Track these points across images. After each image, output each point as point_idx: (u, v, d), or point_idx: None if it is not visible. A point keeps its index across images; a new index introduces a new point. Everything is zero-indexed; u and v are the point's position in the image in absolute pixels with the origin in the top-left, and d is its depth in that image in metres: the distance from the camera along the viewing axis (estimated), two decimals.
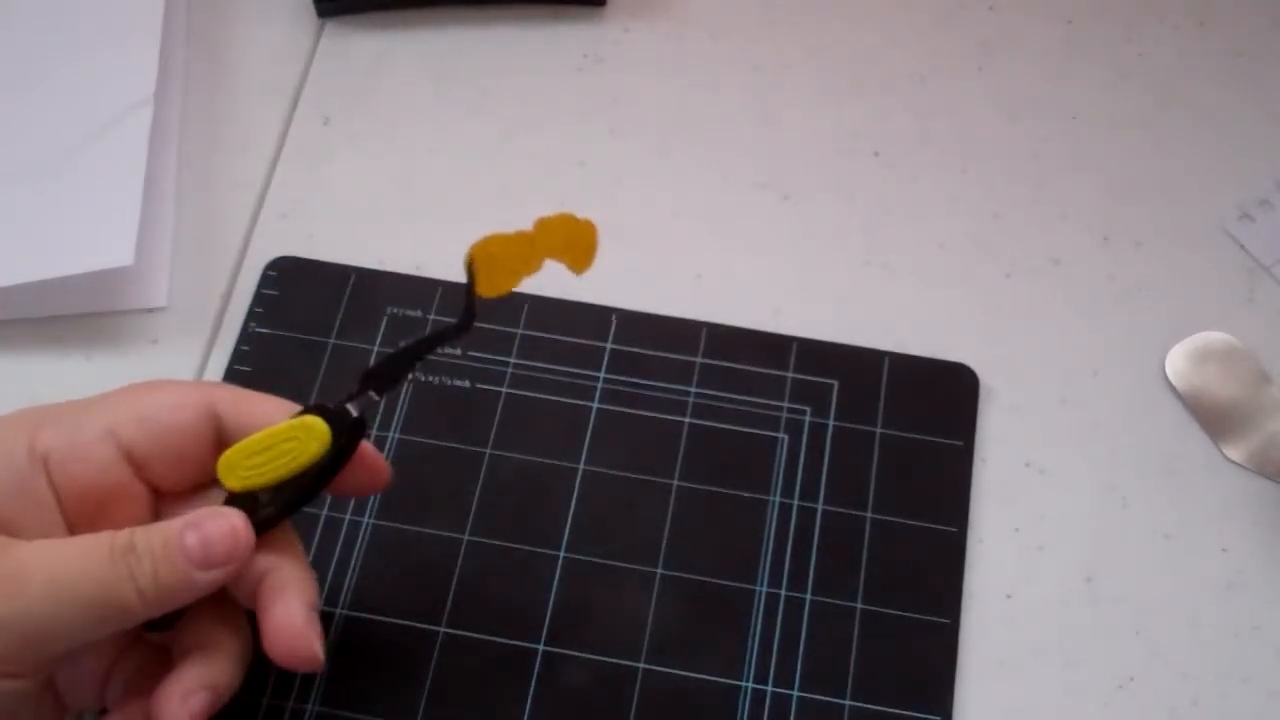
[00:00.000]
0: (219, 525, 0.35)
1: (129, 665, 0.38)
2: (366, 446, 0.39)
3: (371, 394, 0.38)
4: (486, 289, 0.38)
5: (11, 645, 0.33)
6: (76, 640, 0.34)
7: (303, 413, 0.37)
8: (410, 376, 0.46)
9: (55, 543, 0.34)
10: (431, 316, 0.49)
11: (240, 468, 0.36)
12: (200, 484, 0.38)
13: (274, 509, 0.37)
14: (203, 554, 0.34)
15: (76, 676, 0.37)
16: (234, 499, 0.37)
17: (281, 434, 0.36)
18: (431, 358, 0.48)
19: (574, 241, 0.39)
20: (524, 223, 0.52)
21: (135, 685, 0.37)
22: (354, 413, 0.37)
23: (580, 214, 0.39)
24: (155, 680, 0.36)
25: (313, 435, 0.36)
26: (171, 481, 0.37)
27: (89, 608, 0.33)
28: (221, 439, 0.37)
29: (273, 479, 0.36)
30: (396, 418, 0.47)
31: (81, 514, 0.36)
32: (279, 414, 0.37)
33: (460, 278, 0.50)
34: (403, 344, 0.39)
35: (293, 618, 0.36)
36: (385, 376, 0.38)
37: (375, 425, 0.47)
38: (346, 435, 0.37)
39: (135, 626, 0.35)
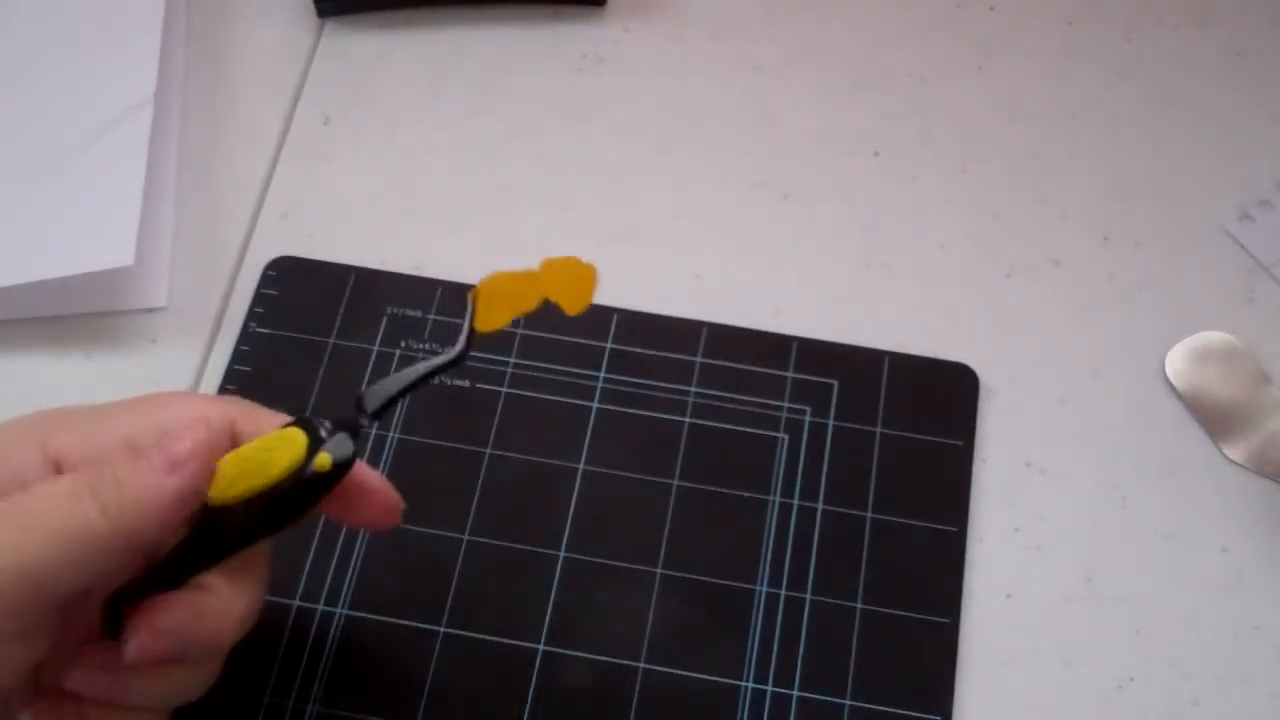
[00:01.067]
0: (182, 437, 0.34)
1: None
2: (376, 479, 0.38)
3: (364, 420, 0.37)
4: (482, 323, 0.38)
5: (10, 592, 0.32)
6: (63, 578, 0.33)
7: (284, 425, 0.36)
8: (403, 402, 0.46)
9: (25, 491, 0.34)
10: (431, 316, 0.49)
11: (220, 479, 0.35)
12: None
13: (251, 524, 0.36)
14: (166, 459, 0.34)
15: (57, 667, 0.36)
16: (210, 514, 0.36)
17: (260, 446, 0.35)
18: (432, 357, 0.48)
19: (573, 284, 0.39)
20: (523, 223, 0.53)
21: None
22: (324, 430, 0.36)
23: (584, 254, 0.39)
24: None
25: (289, 445, 0.35)
26: None
27: (58, 537, 0.32)
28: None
29: (244, 489, 0.35)
30: (397, 417, 0.47)
31: None
32: None
33: (458, 276, 0.50)
34: (398, 371, 0.39)
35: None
36: (377, 400, 0.37)
37: (376, 425, 0.47)
38: (335, 454, 0.36)
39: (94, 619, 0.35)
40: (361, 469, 0.38)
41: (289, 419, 0.37)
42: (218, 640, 0.36)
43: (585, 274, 0.39)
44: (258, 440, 0.36)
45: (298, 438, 0.35)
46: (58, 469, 0.35)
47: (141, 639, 0.34)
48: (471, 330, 0.38)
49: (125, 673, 0.35)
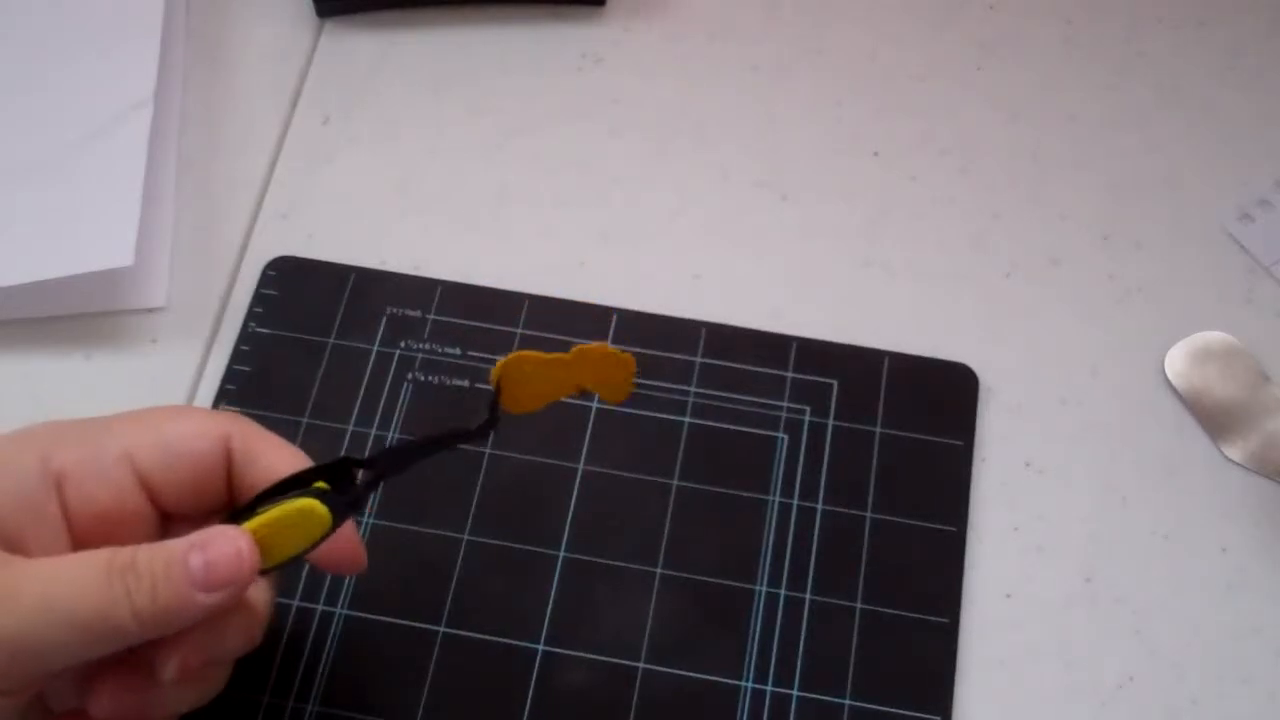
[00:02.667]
0: (224, 548, 0.34)
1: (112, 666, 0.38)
2: (348, 532, 0.38)
3: (374, 478, 0.37)
4: (511, 404, 0.38)
5: (1, 663, 0.32)
6: (69, 659, 0.33)
7: (303, 493, 0.36)
8: (401, 402, 0.45)
9: (53, 560, 0.33)
10: (431, 316, 0.49)
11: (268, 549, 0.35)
12: (208, 509, 0.37)
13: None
14: (205, 576, 0.33)
15: (60, 682, 0.37)
16: None
17: (288, 518, 0.35)
18: (432, 357, 0.48)
19: (610, 376, 0.39)
20: (523, 223, 0.53)
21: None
22: (351, 495, 0.36)
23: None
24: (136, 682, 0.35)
25: (314, 521, 0.35)
26: (181, 506, 0.37)
27: (82, 628, 0.32)
28: (231, 471, 0.37)
29: (285, 558, 0.35)
30: (397, 418, 0.47)
31: (90, 534, 0.35)
32: (282, 462, 0.37)
33: (458, 276, 0.50)
34: (416, 437, 0.38)
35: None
36: (392, 464, 0.37)
37: (375, 426, 0.47)
38: (340, 516, 0.36)
39: None
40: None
41: (288, 446, 0.37)
42: (227, 655, 0.36)
43: (622, 366, 0.39)
44: (279, 512, 0.35)
45: (323, 515, 0.35)
46: (59, 484, 0.35)
47: (182, 657, 0.34)
48: (496, 410, 0.37)
49: (151, 690, 0.35)
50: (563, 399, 0.38)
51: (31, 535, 0.34)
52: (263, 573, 0.35)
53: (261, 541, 0.34)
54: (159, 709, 0.36)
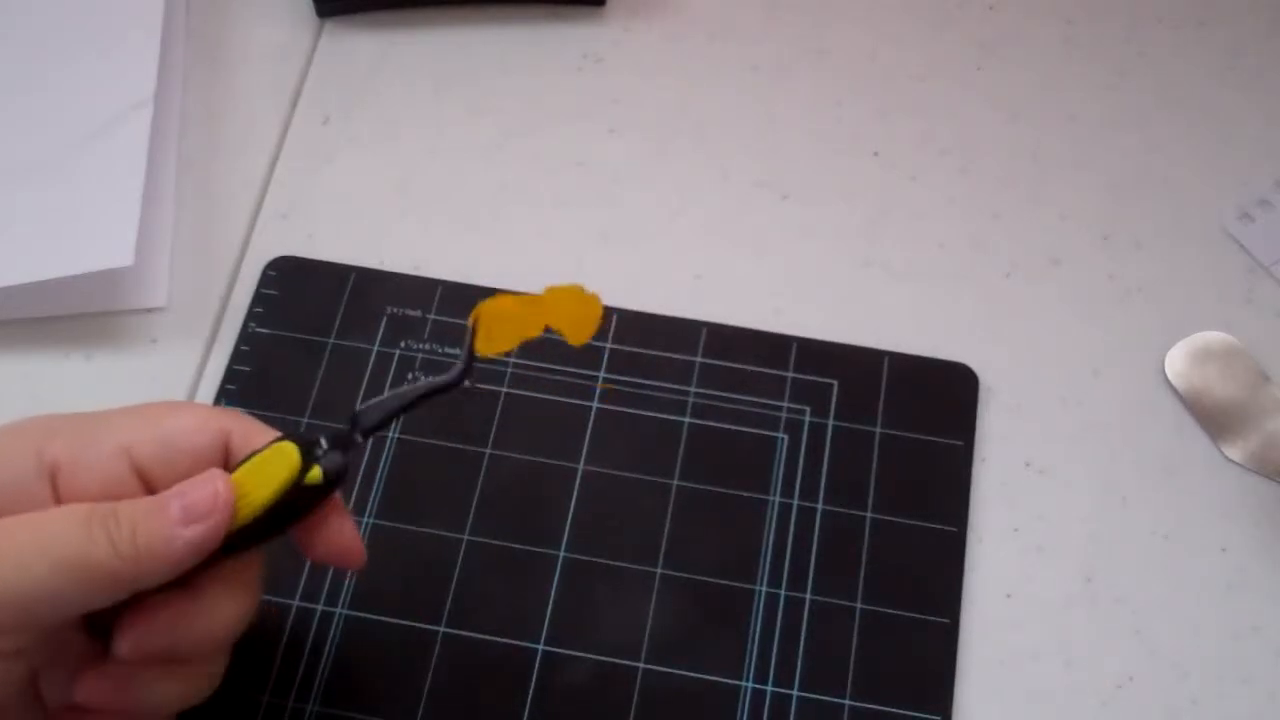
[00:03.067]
0: (201, 487, 0.34)
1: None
2: (348, 524, 0.38)
3: (356, 436, 0.37)
4: (484, 347, 0.38)
5: None
6: (56, 609, 0.33)
7: (276, 438, 0.36)
8: (397, 421, 0.45)
9: (33, 514, 0.34)
10: (431, 316, 0.49)
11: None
12: None
13: (243, 534, 0.36)
14: (184, 512, 0.34)
15: (56, 676, 0.37)
16: None
17: (257, 464, 0.36)
18: (432, 358, 0.48)
19: (578, 315, 0.40)
20: (523, 223, 0.53)
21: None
22: (319, 447, 0.36)
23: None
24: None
25: (284, 461, 0.35)
26: None
27: (63, 569, 0.32)
28: (227, 467, 0.37)
29: (243, 508, 0.35)
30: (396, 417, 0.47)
31: None
32: None
33: (458, 276, 0.50)
34: (395, 390, 0.39)
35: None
36: (370, 423, 0.38)
37: (368, 442, 0.47)
38: (326, 469, 0.36)
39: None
40: (341, 507, 0.38)
41: (280, 434, 0.37)
42: (210, 640, 0.36)
43: (590, 305, 0.40)
44: (254, 458, 0.36)
45: (291, 452, 0.36)
46: (53, 475, 0.35)
47: (134, 636, 0.35)
48: (472, 353, 0.38)
49: (127, 678, 0.36)
50: (530, 338, 0.39)
51: None
52: (241, 538, 0.35)
53: (239, 483, 0.35)
54: (136, 699, 0.36)
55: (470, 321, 0.38)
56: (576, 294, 0.39)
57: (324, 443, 0.36)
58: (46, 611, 0.33)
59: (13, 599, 0.32)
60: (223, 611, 0.36)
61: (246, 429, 0.37)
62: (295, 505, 0.36)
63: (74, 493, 0.35)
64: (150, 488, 0.36)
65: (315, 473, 0.36)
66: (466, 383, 0.38)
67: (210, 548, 0.34)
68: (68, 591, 0.33)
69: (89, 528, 0.33)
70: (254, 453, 0.36)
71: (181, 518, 0.34)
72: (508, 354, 0.38)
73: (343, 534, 0.38)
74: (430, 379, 0.38)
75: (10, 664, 0.34)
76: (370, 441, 0.47)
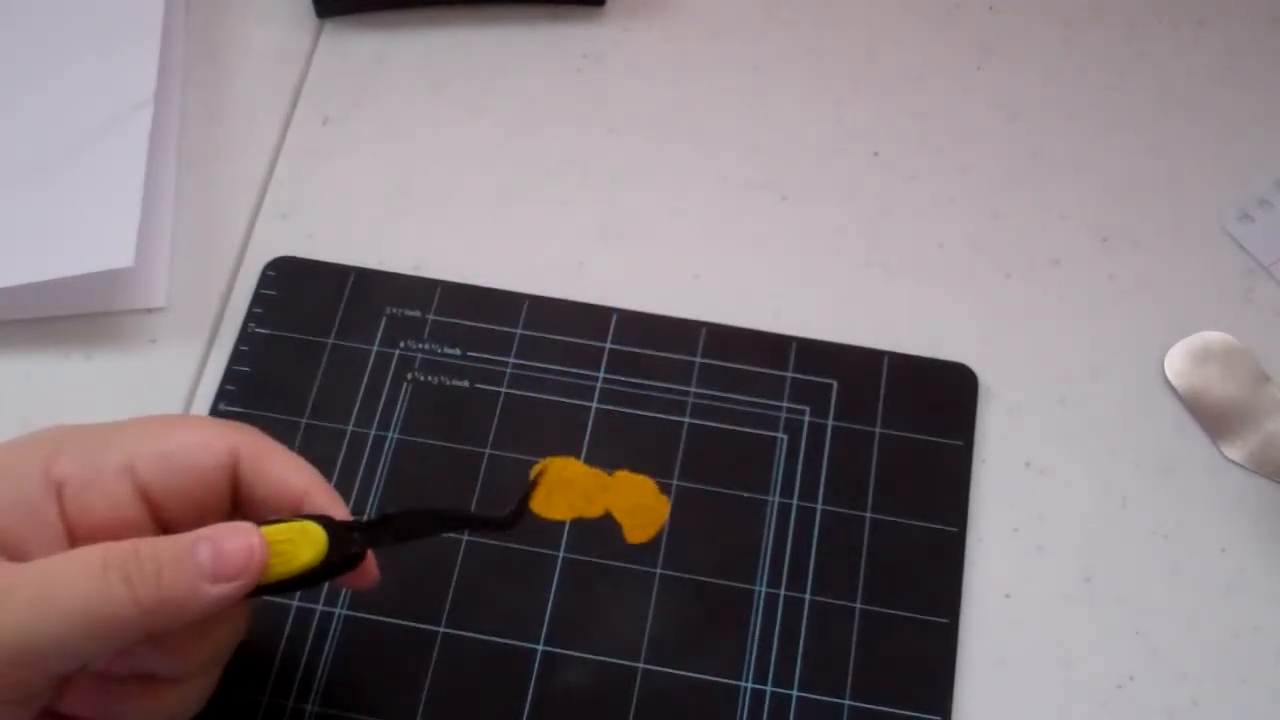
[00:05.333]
0: (236, 541, 0.33)
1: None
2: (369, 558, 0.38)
3: (388, 537, 0.37)
4: (541, 506, 0.38)
5: (1, 667, 0.31)
6: (71, 659, 0.33)
7: (306, 516, 0.35)
8: (402, 404, 0.45)
9: (48, 559, 0.32)
10: (431, 316, 0.49)
11: None
12: (210, 523, 0.36)
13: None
14: (214, 566, 0.33)
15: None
16: None
17: (281, 534, 0.35)
18: (431, 358, 0.48)
19: (643, 510, 0.40)
20: (523, 223, 0.53)
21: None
22: (354, 548, 0.35)
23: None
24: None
25: (308, 542, 0.35)
26: (182, 519, 0.36)
27: (79, 619, 0.31)
28: (237, 487, 0.36)
29: (280, 574, 0.35)
30: (396, 417, 0.47)
31: (89, 542, 0.34)
32: (296, 477, 0.36)
33: (457, 276, 0.50)
34: (438, 509, 0.38)
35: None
36: (406, 527, 0.37)
37: (374, 426, 0.47)
38: (340, 559, 0.35)
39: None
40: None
41: (296, 459, 0.36)
42: (197, 661, 0.36)
43: (657, 507, 0.40)
44: (280, 528, 0.35)
45: (320, 539, 0.35)
46: (59, 493, 0.34)
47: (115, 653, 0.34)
48: (526, 504, 0.38)
49: (113, 691, 0.35)
50: (587, 517, 0.39)
51: (32, 542, 0.34)
52: (254, 593, 0.34)
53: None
54: (126, 713, 0.35)
55: (534, 474, 0.38)
56: (648, 489, 0.39)
57: (354, 544, 0.35)
58: (61, 662, 0.33)
59: (28, 650, 0.31)
60: (211, 634, 0.36)
61: (256, 446, 0.36)
62: (312, 578, 0.35)
63: (80, 511, 0.35)
64: (153, 506, 0.35)
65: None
66: (513, 528, 0.38)
67: (232, 604, 0.34)
68: (84, 642, 0.32)
69: (107, 576, 0.32)
70: (280, 519, 0.35)
71: (212, 571, 0.33)
72: (559, 521, 0.38)
73: (362, 574, 0.37)
74: (478, 513, 0.38)
75: (21, 709, 0.33)
76: (370, 440, 0.47)
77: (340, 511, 0.36)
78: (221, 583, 0.33)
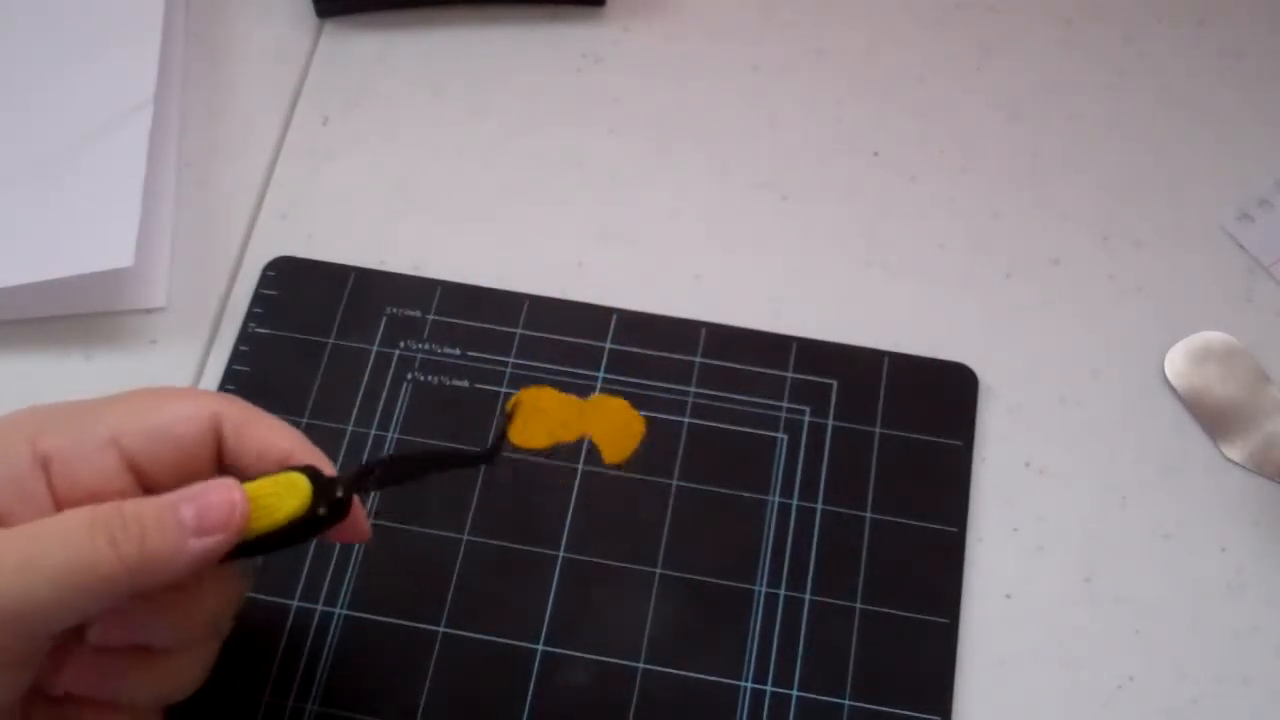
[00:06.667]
0: (217, 495, 0.34)
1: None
2: (357, 509, 0.38)
3: (371, 484, 0.37)
4: (517, 435, 0.38)
5: None
6: (59, 619, 0.33)
7: (291, 469, 0.36)
8: (402, 402, 0.45)
9: (33, 522, 0.33)
10: (431, 316, 0.49)
11: None
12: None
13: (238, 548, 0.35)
14: (197, 522, 0.33)
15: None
16: None
17: (264, 488, 0.35)
18: (431, 358, 0.48)
19: (618, 430, 0.40)
20: (523, 223, 0.53)
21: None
22: (339, 492, 0.35)
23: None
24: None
25: (294, 493, 0.35)
26: (169, 487, 0.36)
27: (65, 579, 0.32)
28: (222, 453, 0.37)
29: (258, 530, 0.35)
30: (396, 418, 0.47)
31: None
32: (280, 439, 0.37)
33: (457, 276, 0.50)
34: (420, 450, 0.38)
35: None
36: (390, 473, 0.37)
37: (374, 426, 0.47)
38: (328, 509, 0.35)
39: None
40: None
41: (282, 424, 0.36)
42: (192, 630, 0.36)
43: (633, 423, 0.40)
44: (263, 481, 0.35)
45: (303, 487, 0.35)
46: (46, 468, 0.35)
47: (107, 623, 0.34)
48: (504, 435, 0.38)
49: (108, 666, 0.35)
50: (565, 441, 0.38)
51: (19, 516, 0.34)
52: (239, 551, 0.34)
53: (250, 498, 0.34)
54: (122, 689, 0.35)
55: (509, 405, 0.38)
56: (621, 408, 0.40)
57: (339, 488, 0.35)
58: (50, 622, 0.33)
59: (16, 612, 0.32)
60: (205, 600, 0.36)
61: (238, 414, 0.37)
62: (299, 530, 0.35)
63: (68, 485, 0.35)
64: (140, 476, 0.36)
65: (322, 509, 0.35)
66: (495, 460, 0.38)
67: (217, 560, 0.34)
68: (71, 601, 0.32)
69: (92, 535, 0.32)
70: (266, 474, 0.35)
71: (194, 526, 0.33)
72: (538, 451, 0.38)
73: (352, 527, 0.38)
74: (456, 452, 0.38)
75: (14, 674, 0.33)
76: (370, 440, 0.47)
77: (326, 469, 0.36)
78: (204, 537, 0.33)
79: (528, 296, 0.50)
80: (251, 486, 0.35)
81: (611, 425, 0.40)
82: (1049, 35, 0.57)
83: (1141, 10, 0.57)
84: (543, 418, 0.39)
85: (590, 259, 0.51)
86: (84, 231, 0.49)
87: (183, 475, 0.36)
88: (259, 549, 0.35)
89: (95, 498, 0.35)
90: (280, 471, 0.35)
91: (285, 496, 0.35)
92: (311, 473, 0.35)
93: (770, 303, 0.50)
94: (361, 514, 0.38)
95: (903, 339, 0.49)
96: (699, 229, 0.52)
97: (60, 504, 0.35)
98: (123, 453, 0.36)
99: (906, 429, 0.47)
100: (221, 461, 0.37)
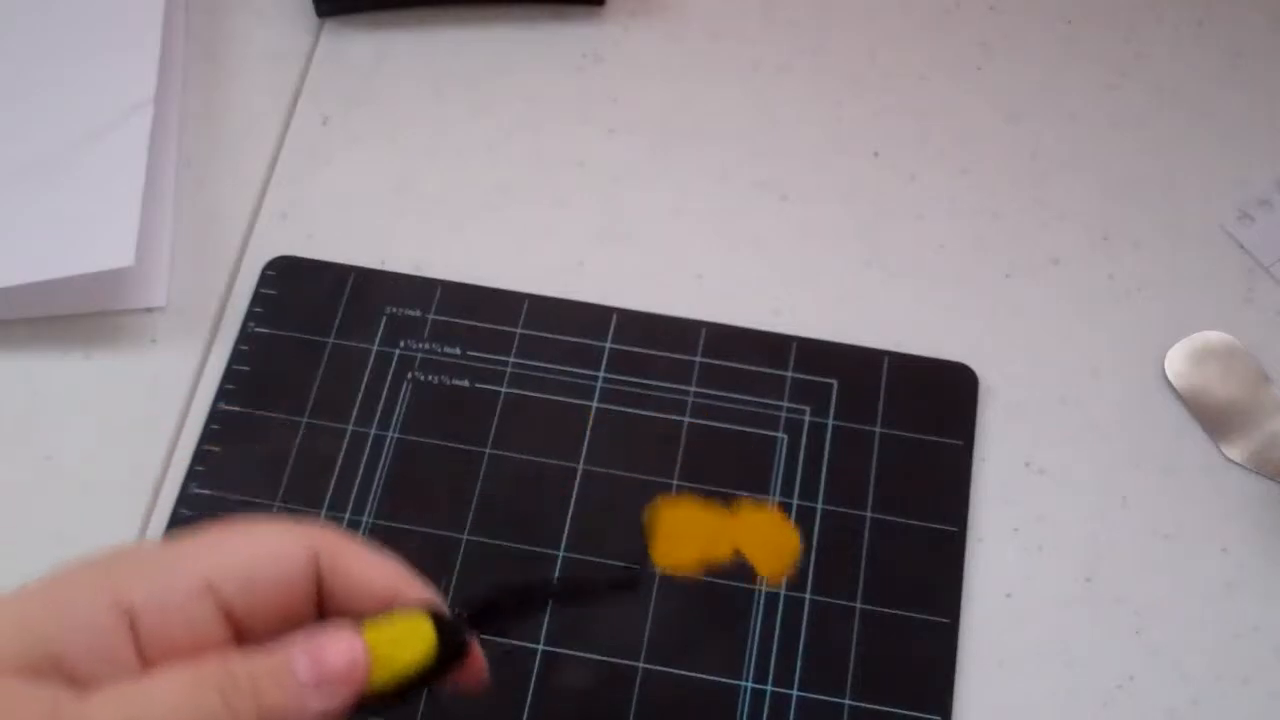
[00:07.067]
0: (336, 645, 0.30)
1: None
2: (477, 659, 0.34)
3: (498, 623, 0.34)
4: (663, 557, 0.36)
5: None
6: None
7: (412, 610, 0.32)
8: (402, 401, 0.43)
9: (127, 685, 0.29)
10: (431, 316, 0.49)
11: None
12: (287, 630, 0.33)
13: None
14: (316, 676, 0.30)
15: None
16: None
17: (382, 633, 0.31)
18: (431, 357, 0.48)
19: (773, 543, 0.38)
20: (523, 223, 0.52)
21: None
22: (464, 635, 0.32)
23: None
24: None
25: (415, 638, 0.31)
26: (263, 628, 0.32)
27: None
28: (319, 588, 0.33)
29: (380, 682, 0.31)
30: (396, 417, 0.47)
31: None
32: (381, 574, 0.33)
33: (457, 276, 0.50)
34: (544, 580, 0.35)
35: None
36: (520, 606, 0.34)
37: (374, 426, 0.47)
38: (455, 656, 0.32)
39: None
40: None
41: (379, 558, 0.33)
42: None
43: (787, 539, 0.38)
44: (379, 625, 0.32)
45: (425, 632, 0.32)
46: (132, 624, 0.31)
47: None
48: (647, 556, 0.35)
49: None
50: (716, 559, 0.37)
51: (102, 680, 0.30)
52: (365, 702, 0.31)
53: (369, 647, 0.31)
54: None
55: (645, 519, 0.36)
56: (774, 520, 0.37)
57: (463, 631, 0.32)
58: None
59: None
60: None
61: (334, 545, 0.33)
62: (422, 681, 0.32)
63: (158, 642, 0.31)
64: (235, 624, 0.32)
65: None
66: (638, 589, 0.35)
67: (339, 718, 0.30)
68: None
69: (202, 694, 0.29)
70: (382, 616, 0.32)
71: (313, 681, 0.30)
72: (690, 575, 0.35)
73: (471, 669, 0.34)
74: (593, 576, 0.35)
75: None
76: (370, 439, 0.47)
77: (435, 602, 0.33)
78: (324, 687, 0.30)
79: (528, 296, 0.50)
80: (372, 629, 0.31)
81: (765, 538, 0.37)
82: (1049, 35, 0.57)
83: (1141, 10, 0.57)
84: (688, 534, 0.35)
85: (590, 258, 0.51)
86: (84, 231, 0.49)
87: (282, 618, 0.33)
88: (374, 704, 0.31)
89: (184, 649, 0.31)
90: (395, 612, 0.32)
91: (405, 643, 0.31)
92: (433, 614, 0.32)
93: (770, 302, 0.50)
94: (480, 655, 0.34)
95: (903, 339, 0.49)
96: (699, 229, 0.52)
97: (149, 663, 0.31)
98: (218, 600, 0.32)
99: (906, 429, 0.47)
100: (319, 601, 0.33)
